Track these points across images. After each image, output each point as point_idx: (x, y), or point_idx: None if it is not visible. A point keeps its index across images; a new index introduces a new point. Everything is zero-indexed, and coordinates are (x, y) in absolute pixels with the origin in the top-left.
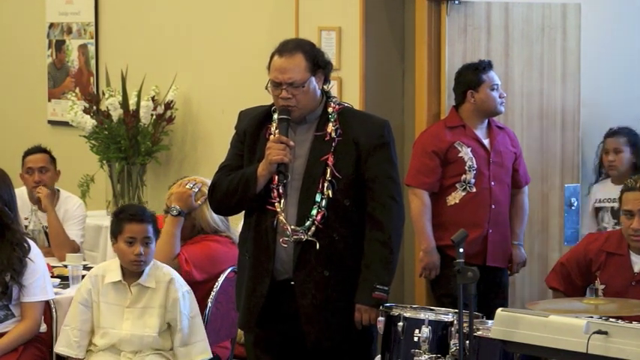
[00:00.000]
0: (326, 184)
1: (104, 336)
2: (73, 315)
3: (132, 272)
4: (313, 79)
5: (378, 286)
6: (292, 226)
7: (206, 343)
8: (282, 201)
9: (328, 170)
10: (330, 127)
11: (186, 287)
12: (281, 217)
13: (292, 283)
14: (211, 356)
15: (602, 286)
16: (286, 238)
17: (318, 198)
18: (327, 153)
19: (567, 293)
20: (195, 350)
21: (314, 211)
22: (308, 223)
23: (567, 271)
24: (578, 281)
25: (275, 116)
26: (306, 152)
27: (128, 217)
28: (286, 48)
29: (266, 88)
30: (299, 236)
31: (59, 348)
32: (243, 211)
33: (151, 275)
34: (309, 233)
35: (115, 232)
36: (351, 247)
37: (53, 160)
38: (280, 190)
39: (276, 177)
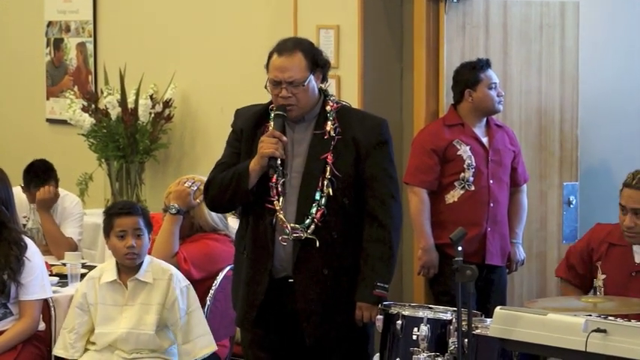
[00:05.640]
0: (325, 183)
1: (101, 336)
2: (70, 318)
3: (128, 269)
4: (312, 77)
5: (378, 284)
6: (291, 224)
7: (210, 336)
8: (281, 199)
9: (328, 168)
10: (330, 126)
11: (185, 282)
12: (280, 215)
13: (291, 280)
14: (216, 349)
15: (603, 276)
16: (285, 237)
17: (317, 196)
18: (326, 151)
19: (573, 282)
20: (199, 345)
21: (313, 210)
22: (307, 221)
23: (571, 258)
24: (579, 269)
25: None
26: (305, 150)
27: (117, 211)
28: (285, 47)
29: (265, 87)
30: (298, 234)
31: (57, 350)
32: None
33: (149, 271)
34: (309, 231)
35: (107, 229)
36: (349, 245)
37: (53, 173)
38: (279, 189)
39: (269, 172)
